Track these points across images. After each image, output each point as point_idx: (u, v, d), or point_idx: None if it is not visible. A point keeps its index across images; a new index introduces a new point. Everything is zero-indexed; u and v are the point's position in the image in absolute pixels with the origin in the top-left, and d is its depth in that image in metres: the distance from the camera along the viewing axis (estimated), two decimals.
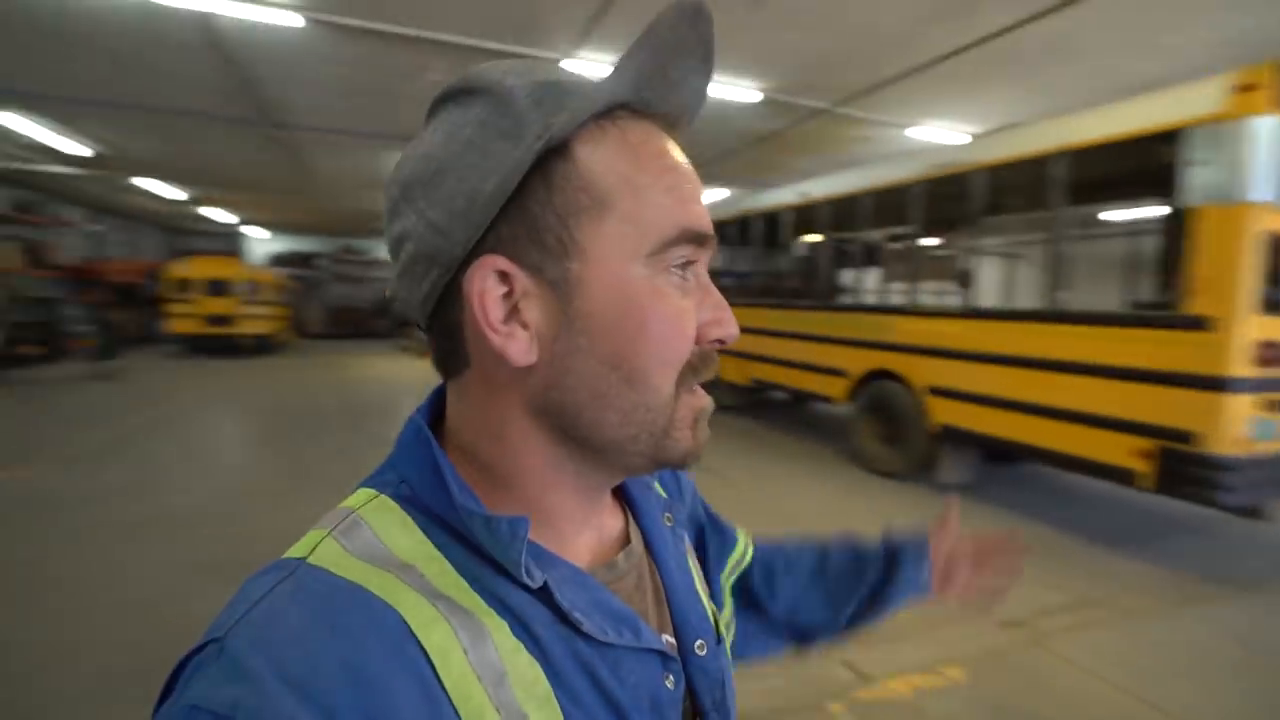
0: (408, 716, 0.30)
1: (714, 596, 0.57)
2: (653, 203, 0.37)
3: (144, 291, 17.16)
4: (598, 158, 0.37)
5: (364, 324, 21.58)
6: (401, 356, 15.62)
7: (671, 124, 0.41)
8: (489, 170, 0.36)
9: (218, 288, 13.91)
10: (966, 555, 0.71)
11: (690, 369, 0.39)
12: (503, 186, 0.35)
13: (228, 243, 21.61)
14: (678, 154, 0.40)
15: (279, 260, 21.36)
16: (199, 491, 4.46)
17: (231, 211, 17.20)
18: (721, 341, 0.41)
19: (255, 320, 14.19)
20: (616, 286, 0.37)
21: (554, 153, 0.36)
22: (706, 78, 0.41)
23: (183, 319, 13.93)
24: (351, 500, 0.40)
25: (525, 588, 0.37)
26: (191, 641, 0.32)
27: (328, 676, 0.29)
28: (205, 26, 5.59)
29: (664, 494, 0.55)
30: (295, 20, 5.39)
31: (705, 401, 0.41)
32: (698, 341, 0.40)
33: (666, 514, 0.52)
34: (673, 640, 0.46)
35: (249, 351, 14.17)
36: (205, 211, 16.81)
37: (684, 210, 0.38)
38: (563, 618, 0.37)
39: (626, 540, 0.48)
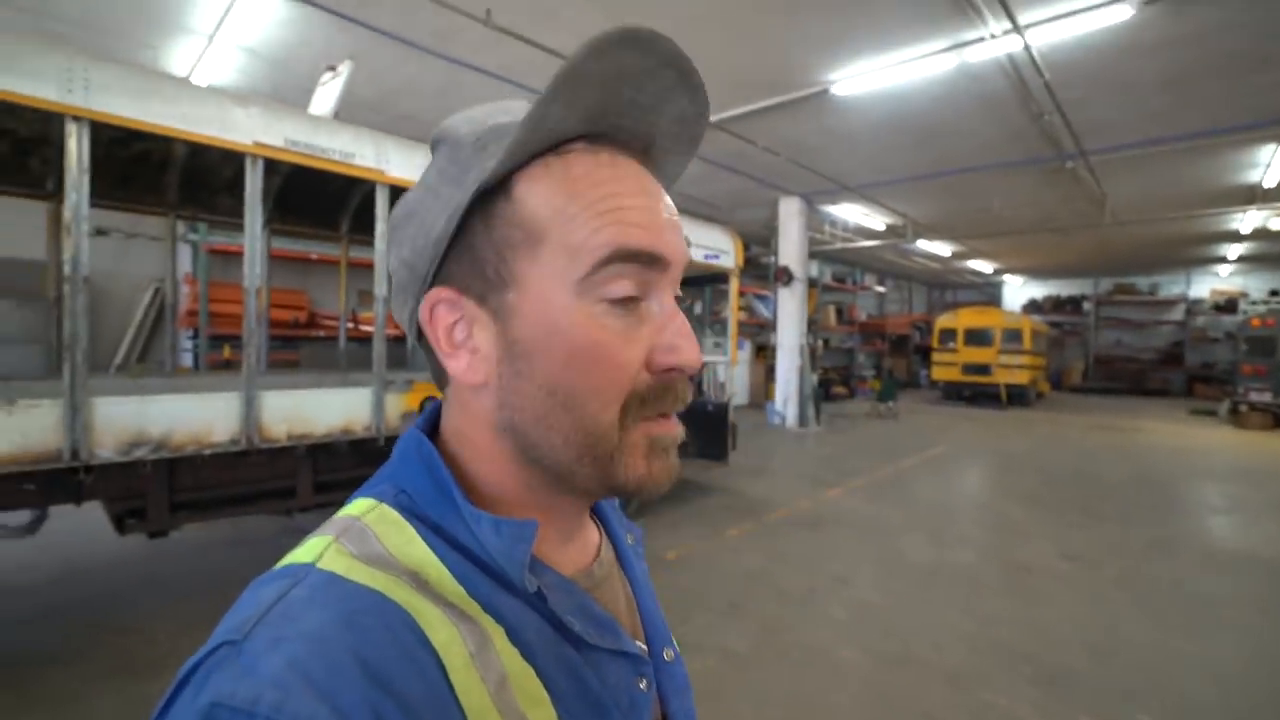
0: (418, 713, 0.31)
1: None
2: (584, 227, 0.38)
3: (912, 341, 19.54)
4: (535, 193, 0.39)
5: (1141, 377, 17.92)
6: (1196, 423, 11.81)
7: (644, 149, 0.43)
8: (439, 211, 0.40)
9: (977, 337, 14.16)
10: None
11: (639, 399, 0.39)
12: (447, 227, 0.39)
13: (985, 292, 22.17)
14: (632, 178, 0.41)
15: (1036, 306, 20.35)
16: (977, 544, 4.06)
17: (990, 261, 17.40)
18: (677, 370, 0.40)
19: (1012, 370, 13.66)
20: (548, 315, 0.38)
21: (494, 192, 0.39)
22: (693, 98, 0.41)
23: (943, 367, 14.86)
24: (352, 509, 0.41)
25: (518, 595, 0.39)
26: None
27: (345, 676, 0.30)
28: (1010, 68, 5.33)
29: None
30: (1123, 13, 4.41)
31: (665, 430, 0.41)
32: (651, 370, 0.39)
33: (629, 533, 0.55)
34: (644, 646, 0.47)
35: (1004, 401, 13.74)
36: (968, 264, 17.62)
37: (619, 230, 0.38)
38: (551, 622, 0.40)
39: (599, 552, 0.49)
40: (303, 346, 6.53)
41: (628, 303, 0.39)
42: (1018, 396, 13.83)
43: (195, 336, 7.09)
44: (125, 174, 3.86)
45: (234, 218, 4.36)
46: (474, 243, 0.40)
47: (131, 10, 4.58)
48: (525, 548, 0.38)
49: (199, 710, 0.29)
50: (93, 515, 3.17)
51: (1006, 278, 21.16)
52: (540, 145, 0.38)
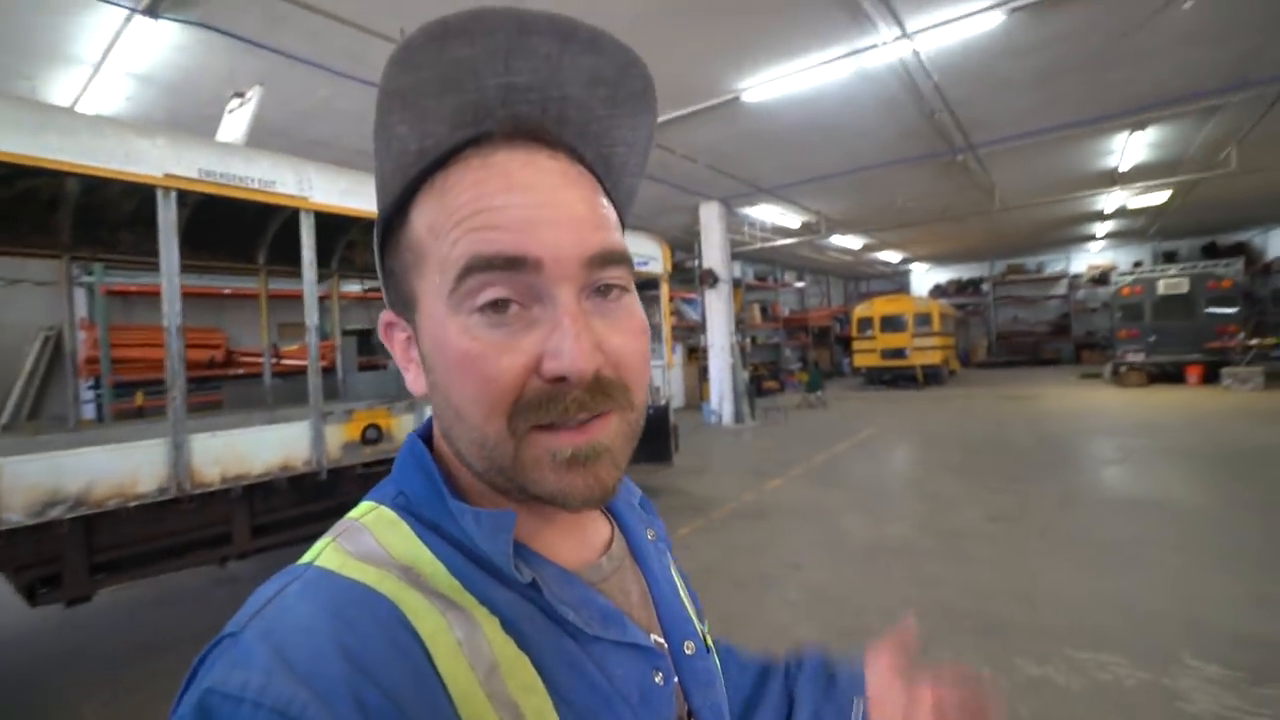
0: (400, 696, 0.32)
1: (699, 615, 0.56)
2: (448, 241, 0.38)
3: (833, 332, 20.47)
4: (421, 214, 0.40)
5: (1037, 348, 19.48)
6: (1086, 385, 13.00)
7: (556, 124, 0.41)
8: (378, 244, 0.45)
9: (892, 324, 15.02)
10: (925, 698, 0.55)
11: (525, 407, 0.37)
12: (377, 255, 0.44)
13: (895, 281, 23.52)
14: (500, 178, 0.38)
15: (940, 290, 21.73)
16: (912, 516, 4.34)
17: (898, 250, 18.51)
18: (559, 377, 0.37)
19: (925, 352, 14.57)
20: (433, 330, 0.39)
21: (397, 221, 0.42)
22: (594, 51, 0.39)
23: (864, 354, 15.66)
24: (354, 512, 0.44)
25: (513, 586, 0.40)
26: None
27: (328, 661, 0.32)
28: (903, 71, 5.75)
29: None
30: (995, 19, 4.86)
31: (565, 442, 0.38)
32: (543, 376, 0.37)
33: (649, 529, 0.55)
34: (661, 640, 0.47)
35: (921, 382, 14.62)
36: (878, 255, 18.67)
37: (475, 237, 0.37)
38: (549, 615, 0.40)
39: (609, 546, 0.49)
40: (223, 386, 6.16)
41: (499, 309, 0.37)
42: (933, 376, 14.75)
43: (96, 385, 6.54)
44: (8, 214, 3.55)
45: (138, 255, 4.09)
46: (393, 268, 0.43)
47: (4, 40, 4.22)
48: (506, 537, 0.39)
49: (197, 696, 0.32)
50: None
51: (913, 265, 22.53)
52: (415, 170, 0.39)
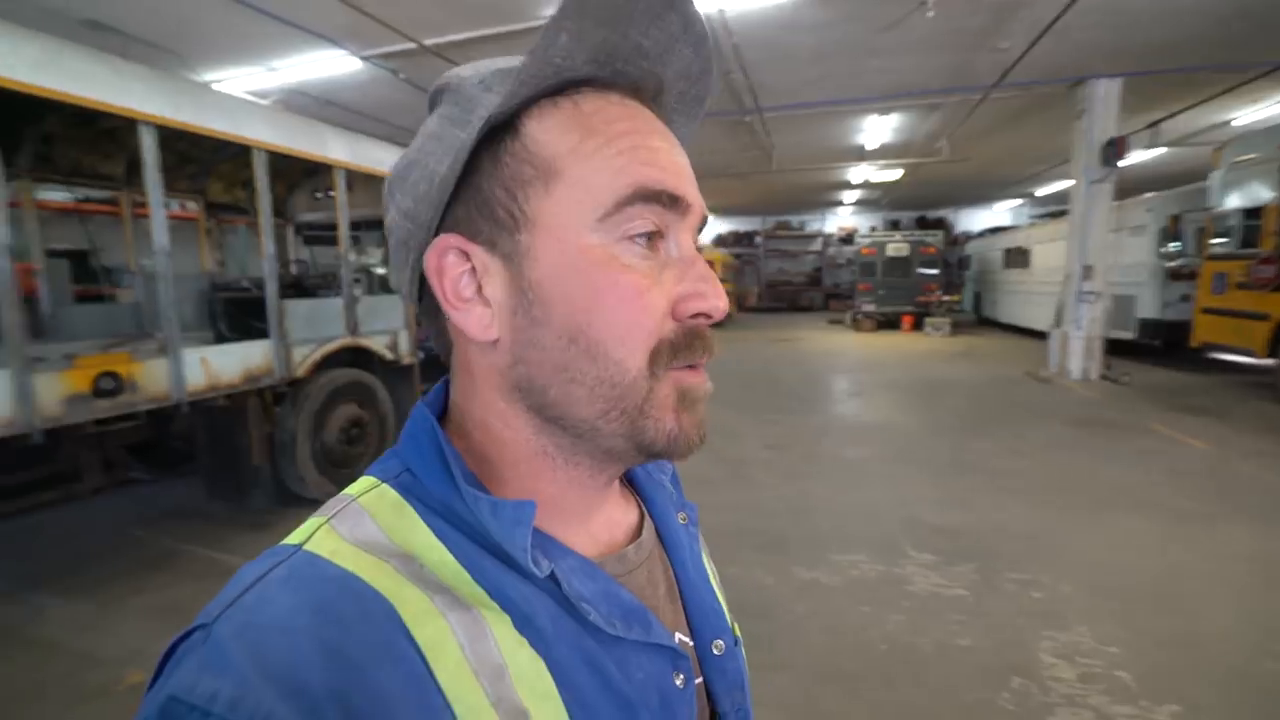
0: (393, 710, 0.29)
1: None
2: (603, 165, 0.36)
3: None
4: (546, 128, 0.37)
5: (797, 297, 22.32)
6: (832, 330, 15.44)
7: (654, 96, 0.41)
8: (443, 154, 0.37)
9: None
10: None
11: (668, 346, 0.37)
12: (454, 167, 0.36)
13: None
14: (646, 120, 0.39)
15: (722, 240, 23.70)
16: (702, 452, 4.86)
17: None
18: (707, 316, 0.38)
19: None
20: (567, 255, 0.36)
21: (502, 130, 0.37)
22: (697, 51, 0.40)
23: None
24: (353, 488, 0.39)
25: (530, 579, 0.36)
26: None
27: (310, 668, 0.28)
28: (722, 24, 5.98)
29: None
30: None
31: (695, 382, 0.38)
32: (676, 317, 0.37)
33: (681, 513, 0.51)
34: (687, 639, 0.45)
35: None
36: None
37: (640, 169, 0.36)
38: (569, 610, 0.37)
39: (638, 534, 0.46)
40: None
41: (652, 240, 0.37)
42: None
43: None
44: None
45: None
46: (481, 183, 0.37)
47: None
48: (524, 530, 0.35)
49: (159, 702, 0.28)
50: None
51: None
52: (547, 82, 0.36)
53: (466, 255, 0.37)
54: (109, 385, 2.94)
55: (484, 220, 0.37)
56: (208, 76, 6.90)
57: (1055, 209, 15.76)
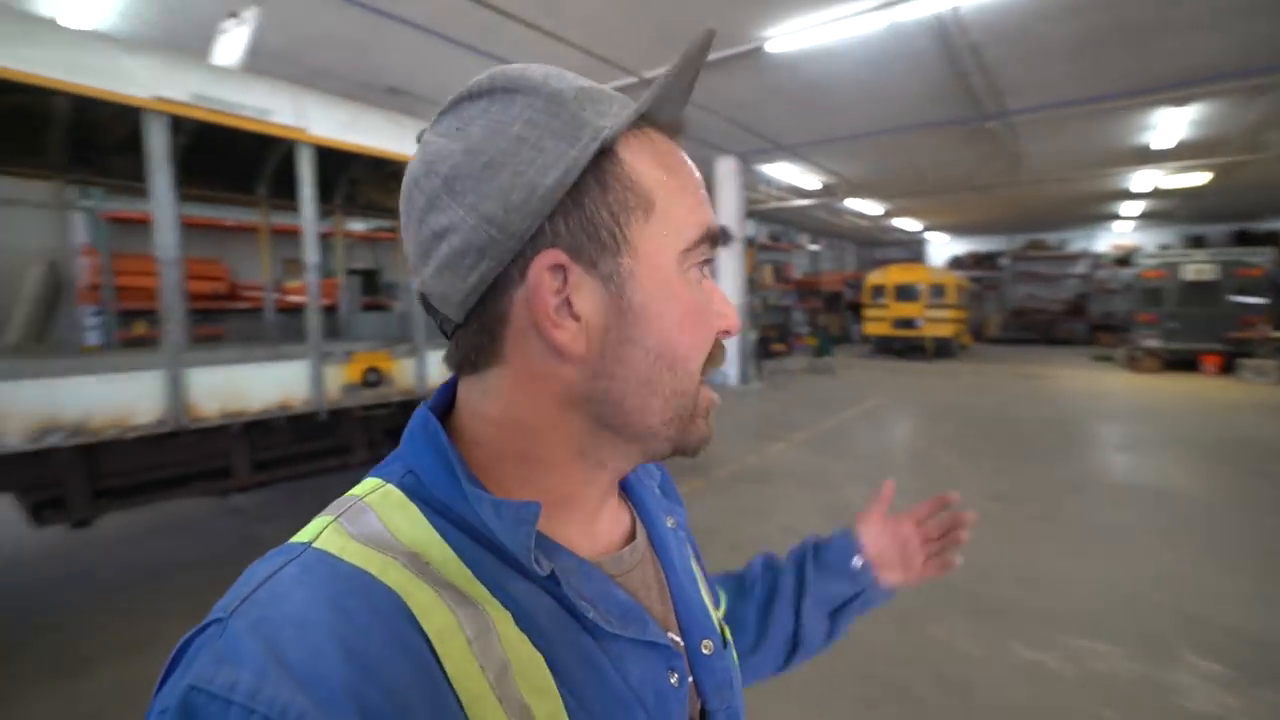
0: (406, 700, 0.30)
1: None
2: (683, 205, 0.41)
3: (845, 298, 20.21)
4: (639, 160, 0.39)
5: (1051, 327, 19.22)
6: (1099, 368, 12.83)
7: (675, 134, 0.44)
8: (546, 165, 0.37)
9: (905, 293, 14.77)
10: (912, 533, 0.74)
11: (710, 359, 0.42)
12: (562, 181, 0.37)
13: (912, 249, 23.06)
14: (691, 164, 0.43)
15: (958, 262, 21.35)
16: (913, 490, 4.30)
17: (916, 219, 18.08)
18: (728, 333, 0.43)
19: (937, 324, 14.37)
20: (661, 280, 0.39)
21: (603, 153, 0.38)
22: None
23: (875, 322, 15.48)
24: (358, 489, 0.41)
25: (530, 577, 0.38)
26: None
27: (327, 661, 0.29)
28: (939, 27, 5.44)
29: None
30: None
31: (714, 394, 0.44)
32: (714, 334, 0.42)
33: (669, 517, 0.53)
34: (678, 639, 0.46)
35: (930, 354, 14.47)
36: (895, 222, 18.24)
37: (704, 211, 0.42)
38: (568, 609, 0.38)
39: (632, 537, 0.48)
40: (226, 319, 6.10)
41: (703, 270, 0.43)
42: (943, 349, 14.58)
43: (100, 313, 6.50)
44: None
45: (133, 181, 3.98)
46: (584, 202, 0.38)
47: None
48: (528, 530, 0.37)
49: (179, 693, 0.29)
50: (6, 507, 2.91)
51: (932, 235, 22.06)
52: (636, 115, 0.39)
53: (561, 270, 0.38)
54: (373, 378, 3.59)
55: (587, 239, 0.38)
56: None
57: None
